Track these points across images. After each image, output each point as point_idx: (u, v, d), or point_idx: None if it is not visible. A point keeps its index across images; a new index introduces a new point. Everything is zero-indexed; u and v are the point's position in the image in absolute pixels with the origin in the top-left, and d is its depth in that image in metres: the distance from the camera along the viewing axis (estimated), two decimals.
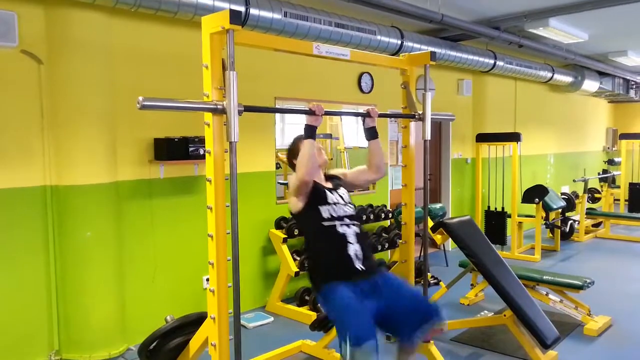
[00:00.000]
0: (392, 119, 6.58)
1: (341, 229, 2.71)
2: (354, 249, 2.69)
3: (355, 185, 3.13)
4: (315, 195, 2.75)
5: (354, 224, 2.78)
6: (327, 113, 2.80)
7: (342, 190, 2.89)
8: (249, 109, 2.32)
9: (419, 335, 2.69)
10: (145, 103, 2.07)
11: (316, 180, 2.80)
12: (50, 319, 3.81)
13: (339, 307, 2.57)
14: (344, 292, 2.57)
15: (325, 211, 2.72)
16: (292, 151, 2.89)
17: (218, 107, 2.24)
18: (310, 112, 2.66)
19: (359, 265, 2.67)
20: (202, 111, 2.30)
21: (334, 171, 3.10)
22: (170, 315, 2.94)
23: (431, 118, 3.30)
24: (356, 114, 2.84)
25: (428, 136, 3.31)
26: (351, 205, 2.85)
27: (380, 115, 3.00)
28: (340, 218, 2.73)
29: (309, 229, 2.84)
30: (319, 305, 4.50)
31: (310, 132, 2.67)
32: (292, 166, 2.87)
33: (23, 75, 3.61)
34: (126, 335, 4.05)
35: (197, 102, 2.29)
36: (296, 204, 2.77)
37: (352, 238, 2.72)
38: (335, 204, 2.77)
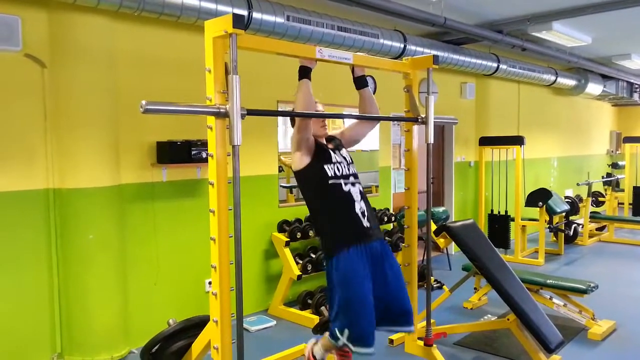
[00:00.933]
0: (395, 122, 6.58)
1: (346, 187, 2.75)
2: (359, 206, 2.75)
3: (354, 140, 3.14)
4: (320, 154, 2.77)
5: (358, 182, 2.84)
6: (324, 116, 2.87)
7: (344, 151, 2.93)
8: (251, 112, 2.32)
9: (394, 332, 2.86)
10: (149, 107, 2.07)
11: (319, 142, 2.83)
12: (52, 322, 3.82)
13: (352, 296, 2.61)
14: (356, 273, 2.62)
15: (330, 169, 2.74)
16: (293, 119, 2.90)
17: (221, 110, 2.24)
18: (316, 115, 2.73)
19: (365, 223, 2.74)
20: (205, 115, 2.30)
21: (331, 132, 3.11)
22: (172, 318, 2.94)
23: (434, 121, 3.29)
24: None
25: (431, 140, 3.31)
26: (353, 165, 2.90)
27: (384, 119, 3.00)
28: (345, 176, 2.77)
29: (314, 188, 2.80)
30: (323, 306, 4.51)
31: (305, 72, 2.71)
32: (293, 123, 2.87)
33: (26, 79, 3.62)
34: (128, 338, 4.05)
35: (200, 106, 2.30)
36: (300, 159, 2.75)
37: (357, 196, 2.77)
38: (339, 162, 2.80)
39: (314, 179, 2.76)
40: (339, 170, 2.76)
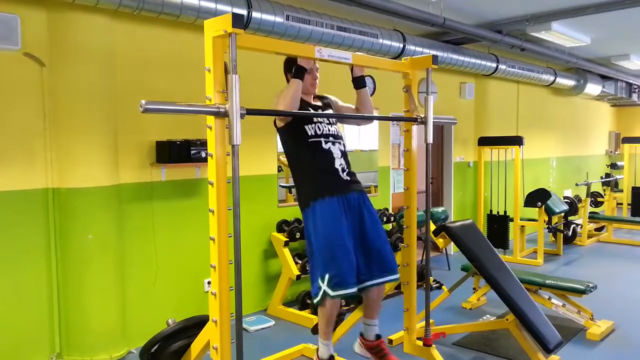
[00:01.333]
0: (394, 122, 6.58)
1: (326, 145, 2.82)
2: (339, 162, 2.82)
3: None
4: (305, 109, 2.85)
5: (338, 142, 2.88)
6: (329, 115, 2.89)
7: (328, 111, 2.97)
8: (251, 112, 2.32)
9: (374, 283, 2.80)
10: (148, 106, 2.07)
11: (305, 99, 2.87)
12: (51, 322, 3.81)
13: (326, 237, 2.66)
14: (333, 217, 2.66)
15: (310, 129, 2.81)
16: (288, 63, 2.94)
17: (220, 110, 2.24)
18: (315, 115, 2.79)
19: (345, 177, 2.81)
20: (204, 114, 2.30)
21: (328, 96, 3.14)
22: (171, 318, 2.94)
23: (433, 121, 3.29)
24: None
25: (430, 139, 3.31)
26: (336, 127, 2.93)
27: (383, 119, 3.01)
28: (325, 135, 2.83)
29: (293, 146, 2.88)
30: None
31: (299, 72, 2.73)
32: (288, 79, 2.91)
33: (25, 78, 3.62)
34: (127, 338, 4.05)
35: (199, 105, 2.29)
36: (281, 118, 2.83)
37: (337, 153, 2.84)
38: (319, 122, 2.85)
39: (294, 137, 2.84)
40: (319, 129, 2.83)
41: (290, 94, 2.71)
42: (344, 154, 2.89)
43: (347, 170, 2.86)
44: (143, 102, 2.05)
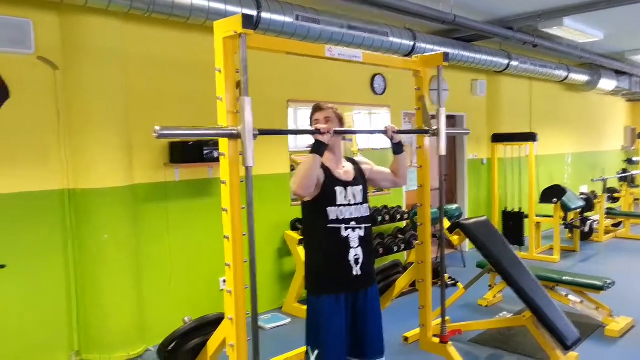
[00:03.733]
0: (407, 118, 6.57)
1: (345, 232, 2.61)
2: (354, 253, 2.62)
3: (376, 184, 3.04)
4: (324, 195, 2.61)
5: (359, 227, 2.66)
6: (338, 132, 2.64)
7: (357, 189, 2.71)
8: (263, 132, 2.32)
9: None
10: (162, 132, 2.08)
11: (331, 171, 2.64)
12: (70, 321, 3.86)
13: (319, 337, 2.61)
14: (331, 321, 2.58)
15: (332, 213, 2.60)
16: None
17: (233, 132, 2.25)
18: (316, 132, 2.51)
19: (355, 271, 2.62)
20: (218, 137, 2.32)
21: (361, 159, 2.94)
22: (187, 316, 2.96)
23: (446, 133, 3.25)
24: (372, 132, 2.79)
25: (443, 152, 3.25)
26: (364, 205, 2.72)
27: (396, 132, 2.90)
28: (346, 221, 2.62)
29: (312, 223, 2.69)
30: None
31: (318, 148, 2.49)
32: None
33: (39, 81, 3.67)
34: (145, 336, 4.08)
35: (212, 129, 2.34)
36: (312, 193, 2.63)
37: (354, 242, 2.63)
38: (343, 205, 2.63)
39: (315, 216, 2.64)
40: (341, 214, 2.62)
41: (305, 171, 2.48)
42: (363, 240, 2.67)
43: (362, 260, 2.64)
44: (157, 128, 2.07)
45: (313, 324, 2.66)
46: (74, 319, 3.87)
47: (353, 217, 2.64)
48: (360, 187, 2.73)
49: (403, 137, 2.96)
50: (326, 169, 2.62)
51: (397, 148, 2.90)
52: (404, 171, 2.94)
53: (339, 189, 2.63)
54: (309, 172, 2.47)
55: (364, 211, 2.70)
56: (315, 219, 2.64)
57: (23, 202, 3.63)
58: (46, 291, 3.74)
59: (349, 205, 2.64)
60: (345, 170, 2.72)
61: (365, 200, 2.73)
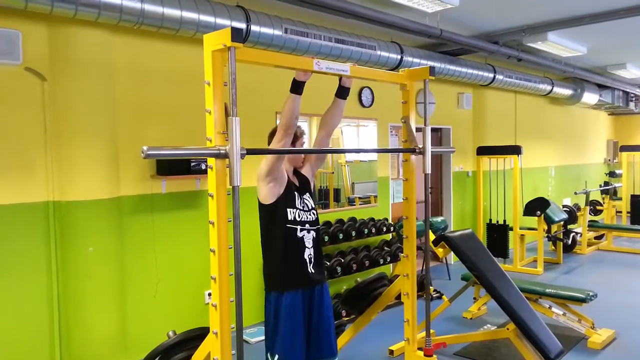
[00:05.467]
0: (394, 131, 6.62)
1: (300, 233, 2.85)
2: (308, 253, 2.86)
3: (328, 133, 3.07)
4: (287, 194, 2.83)
5: (312, 229, 2.91)
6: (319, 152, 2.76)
7: (307, 196, 2.96)
8: (251, 152, 2.34)
9: None
10: (150, 152, 2.08)
11: (290, 179, 2.89)
12: (51, 334, 3.81)
13: (278, 334, 2.77)
14: (293, 320, 2.77)
15: (290, 214, 2.82)
16: (272, 134, 2.92)
17: (221, 152, 2.26)
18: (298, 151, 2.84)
19: (310, 269, 2.85)
20: (205, 157, 2.33)
21: (303, 170, 3.08)
22: (172, 330, 2.94)
23: (431, 152, 3.29)
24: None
25: (428, 170, 3.30)
26: (314, 212, 2.95)
27: (382, 151, 2.98)
28: (302, 223, 2.86)
29: (270, 225, 2.88)
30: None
31: (296, 87, 2.65)
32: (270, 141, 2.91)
33: (27, 92, 3.65)
34: (128, 350, 4.04)
35: (200, 148, 2.32)
36: (269, 192, 2.78)
37: (308, 242, 2.88)
38: (301, 209, 2.88)
39: (274, 218, 2.84)
40: (298, 217, 2.85)
41: (289, 108, 2.66)
42: (315, 241, 2.92)
43: (314, 261, 2.89)
44: (145, 148, 2.06)
45: (271, 322, 2.81)
46: (55, 333, 3.82)
47: (308, 220, 2.90)
48: (309, 195, 2.99)
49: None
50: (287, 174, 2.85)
51: (345, 92, 2.97)
52: (338, 117, 3.05)
53: (296, 194, 2.88)
54: (293, 107, 2.66)
55: (313, 216, 2.94)
56: (273, 221, 2.85)
57: (6, 215, 3.59)
58: (28, 304, 3.70)
59: (302, 210, 2.89)
60: (299, 180, 2.98)
61: (314, 208, 2.99)
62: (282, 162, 2.80)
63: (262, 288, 5.05)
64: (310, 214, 2.92)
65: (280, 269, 2.85)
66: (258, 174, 2.82)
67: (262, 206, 2.88)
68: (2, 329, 3.58)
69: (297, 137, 2.90)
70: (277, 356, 2.77)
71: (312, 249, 2.89)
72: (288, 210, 2.83)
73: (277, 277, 2.87)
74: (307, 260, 2.86)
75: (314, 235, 2.92)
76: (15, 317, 3.64)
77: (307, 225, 2.89)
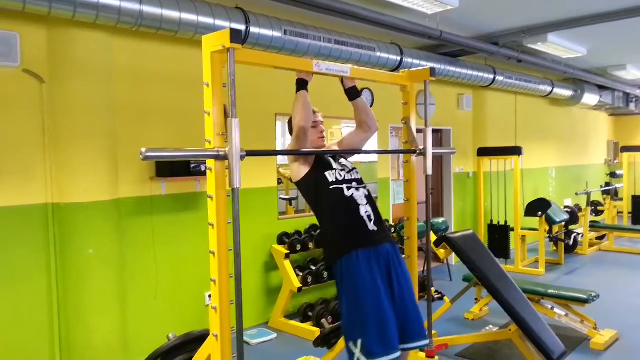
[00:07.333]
0: (394, 132, 6.61)
1: (349, 192, 2.68)
2: (364, 210, 2.66)
3: (353, 148, 3.08)
4: (319, 162, 2.74)
5: (362, 187, 2.76)
6: (338, 152, 2.78)
7: (343, 160, 2.88)
8: (250, 153, 2.32)
9: (406, 348, 2.61)
10: (148, 154, 2.07)
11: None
12: (51, 337, 3.79)
13: (364, 299, 2.44)
14: (368, 276, 2.47)
15: (330, 175, 2.70)
16: (290, 122, 2.86)
17: (220, 153, 2.24)
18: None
19: (371, 227, 2.64)
20: (205, 158, 2.31)
21: (328, 144, 3.07)
22: (172, 333, 2.92)
23: (432, 153, 3.28)
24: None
25: (429, 171, 3.29)
26: (356, 172, 2.83)
27: (383, 152, 2.96)
28: (347, 181, 2.71)
29: (315, 194, 2.73)
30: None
31: (302, 85, 2.69)
32: (292, 132, 2.83)
33: (25, 95, 3.64)
34: (128, 353, 4.02)
35: (199, 150, 2.31)
36: (299, 169, 2.73)
37: (361, 200, 2.69)
38: (340, 170, 2.75)
39: (315, 186, 2.70)
40: (340, 176, 2.72)
41: (301, 106, 2.64)
42: (370, 199, 2.73)
43: (374, 218, 2.67)
44: (143, 150, 2.05)
45: (344, 297, 2.51)
46: (55, 336, 3.80)
47: (352, 178, 2.77)
48: (344, 159, 2.90)
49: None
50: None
51: (353, 92, 2.92)
52: (367, 117, 2.96)
53: (330, 159, 2.80)
54: (305, 103, 2.65)
55: (357, 175, 2.82)
56: (317, 189, 2.70)
57: (5, 217, 3.57)
58: (28, 308, 3.68)
59: (342, 170, 2.77)
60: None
61: (355, 168, 2.87)
62: (308, 142, 2.72)
63: (262, 289, 5.09)
64: (352, 173, 2.79)
65: (338, 234, 2.63)
66: (289, 158, 2.80)
67: (299, 184, 2.78)
68: (2, 332, 3.56)
69: (317, 125, 2.88)
70: (359, 341, 2.39)
71: (367, 206, 2.68)
72: (326, 173, 2.70)
73: (334, 246, 2.63)
74: (366, 218, 2.64)
75: (366, 193, 2.74)
76: (14, 320, 3.62)
77: (353, 183, 2.73)
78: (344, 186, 2.68)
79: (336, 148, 3.04)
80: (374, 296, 2.49)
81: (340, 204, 2.65)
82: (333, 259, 2.63)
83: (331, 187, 2.66)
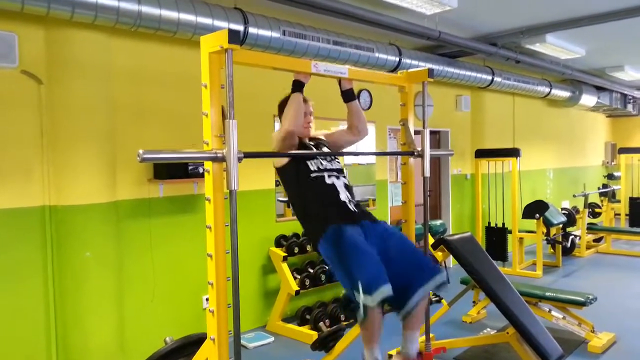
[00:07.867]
0: (392, 134, 6.60)
1: (329, 180, 2.74)
2: (344, 195, 2.73)
3: (338, 146, 3.09)
4: (302, 149, 2.81)
5: (342, 176, 2.82)
6: (328, 154, 2.83)
7: (324, 148, 2.92)
8: (248, 155, 2.31)
9: (420, 297, 2.52)
10: (145, 156, 2.06)
11: (301, 140, 2.85)
12: (48, 340, 3.77)
13: (346, 249, 2.44)
14: (349, 232, 2.49)
15: (312, 164, 2.75)
16: (282, 105, 2.88)
17: (218, 155, 2.23)
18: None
19: (352, 208, 2.70)
20: (202, 160, 2.30)
21: (316, 133, 3.09)
22: (169, 336, 2.91)
23: (430, 154, 3.27)
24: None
25: (427, 173, 3.28)
26: (337, 162, 2.88)
27: (380, 154, 2.95)
28: (328, 170, 2.77)
29: (295, 184, 2.79)
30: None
31: (298, 86, 2.70)
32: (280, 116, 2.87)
33: (23, 96, 3.62)
34: (125, 356, 4.00)
35: (197, 152, 2.30)
36: (281, 158, 2.79)
37: (341, 188, 2.75)
38: (322, 159, 2.80)
39: (297, 173, 2.76)
40: (321, 165, 2.78)
41: (293, 109, 2.68)
42: (348, 188, 2.79)
43: (354, 203, 2.74)
44: (140, 151, 2.04)
45: (335, 255, 2.49)
46: (52, 339, 3.78)
47: (333, 168, 2.80)
48: (325, 147, 2.92)
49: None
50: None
51: (349, 94, 2.94)
52: (359, 121, 2.99)
53: (313, 147, 2.85)
54: (298, 108, 2.68)
55: (338, 165, 2.86)
56: (298, 178, 2.75)
57: (2, 219, 3.55)
58: (25, 310, 3.66)
59: (324, 160, 2.80)
60: (310, 143, 2.92)
61: (335, 157, 2.89)
62: (294, 139, 2.74)
63: (260, 292, 5.07)
64: (333, 163, 2.84)
65: (319, 217, 2.64)
66: (273, 145, 2.79)
67: (281, 171, 2.83)
68: None
69: (305, 115, 2.89)
70: (359, 284, 2.32)
71: (346, 193, 2.74)
72: (308, 162, 2.75)
73: (317, 226, 2.61)
74: (347, 202, 2.70)
75: (346, 182, 2.79)
76: (11, 323, 3.60)
77: (334, 172, 2.79)
78: (325, 174, 2.76)
79: (323, 138, 3.07)
80: (358, 243, 2.47)
81: (321, 190, 2.73)
82: (317, 236, 2.62)
83: (312, 175, 2.73)
